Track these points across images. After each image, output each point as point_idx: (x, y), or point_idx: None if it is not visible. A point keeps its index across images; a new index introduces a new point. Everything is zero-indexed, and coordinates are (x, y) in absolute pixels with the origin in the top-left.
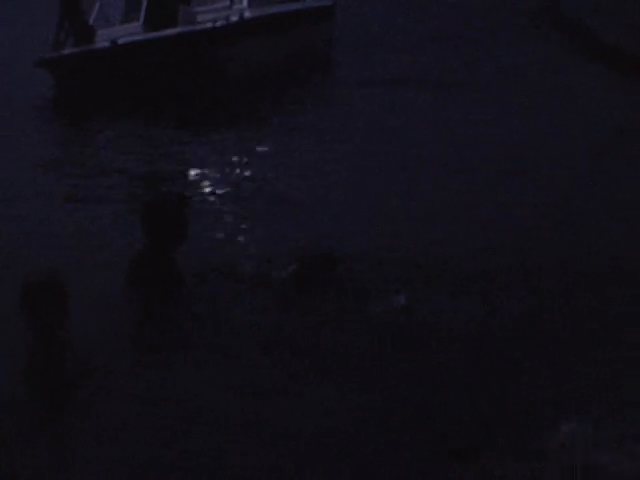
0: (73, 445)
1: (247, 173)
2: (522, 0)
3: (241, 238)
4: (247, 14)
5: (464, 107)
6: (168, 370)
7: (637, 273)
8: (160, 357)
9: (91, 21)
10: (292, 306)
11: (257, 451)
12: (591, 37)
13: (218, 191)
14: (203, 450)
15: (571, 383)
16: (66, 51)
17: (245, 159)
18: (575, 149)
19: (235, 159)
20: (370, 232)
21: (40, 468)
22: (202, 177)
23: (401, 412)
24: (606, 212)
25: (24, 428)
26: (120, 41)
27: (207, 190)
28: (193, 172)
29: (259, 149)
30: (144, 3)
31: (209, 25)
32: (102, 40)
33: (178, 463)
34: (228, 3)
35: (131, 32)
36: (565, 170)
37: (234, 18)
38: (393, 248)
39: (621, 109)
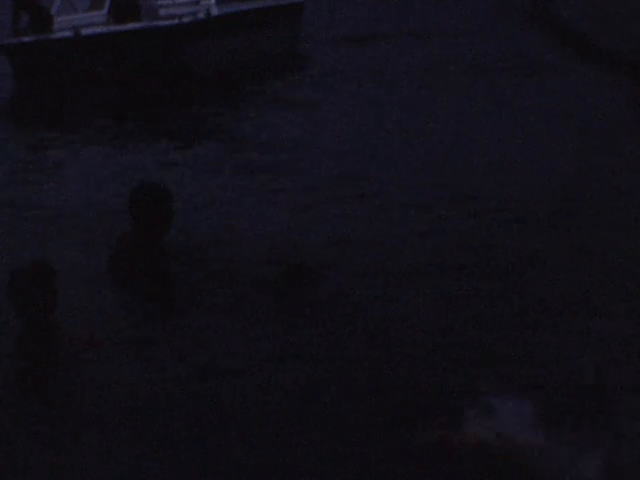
0: (61, 434)
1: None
2: (513, 2)
3: (224, 238)
4: (215, 11)
5: (454, 105)
6: (159, 363)
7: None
8: (150, 349)
9: (55, 8)
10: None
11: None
12: (583, 38)
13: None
14: (198, 450)
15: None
16: (25, 39)
17: (215, 162)
18: (568, 148)
19: (205, 161)
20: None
21: (28, 456)
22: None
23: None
24: (601, 215)
25: (13, 417)
26: (83, 32)
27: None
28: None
29: (228, 153)
30: None
31: (175, 21)
32: (64, 27)
33: (171, 461)
34: None
35: (94, 21)
36: (560, 168)
37: (201, 15)
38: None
39: (612, 108)
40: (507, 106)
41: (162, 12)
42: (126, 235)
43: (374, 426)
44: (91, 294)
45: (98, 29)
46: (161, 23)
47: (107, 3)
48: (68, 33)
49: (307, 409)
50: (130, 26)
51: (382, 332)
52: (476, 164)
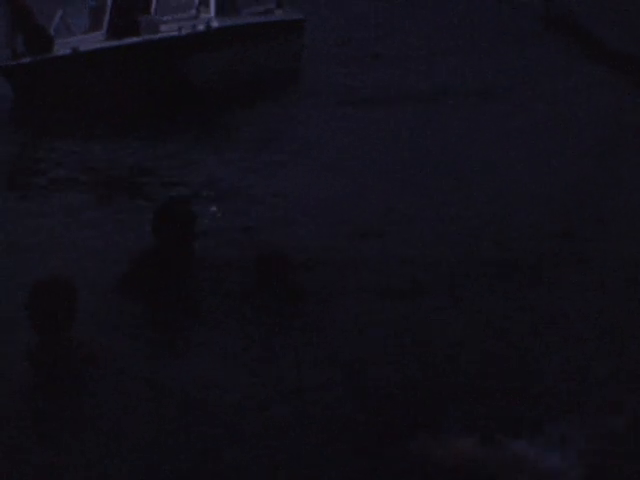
0: (61, 434)
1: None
2: (527, 6)
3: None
4: (214, 24)
5: (462, 112)
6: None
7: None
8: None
9: (52, 30)
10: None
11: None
12: (595, 41)
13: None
14: (198, 450)
15: None
16: (25, 60)
17: (213, 174)
18: (578, 149)
19: (202, 175)
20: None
21: (42, 465)
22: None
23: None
24: (607, 214)
25: (29, 426)
26: (82, 48)
27: None
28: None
29: (225, 164)
30: (107, 13)
31: (174, 33)
32: (63, 49)
33: (170, 461)
34: (194, 12)
35: (93, 41)
36: (568, 170)
37: (200, 27)
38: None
39: (619, 112)
40: (512, 111)
41: (162, 27)
42: (144, 251)
43: (374, 428)
44: (100, 307)
45: (97, 45)
46: (160, 36)
47: (105, 23)
48: (67, 50)
49: (307, 411)
50: (128, 40)
51: (382, 333)
52: (477, 174)
